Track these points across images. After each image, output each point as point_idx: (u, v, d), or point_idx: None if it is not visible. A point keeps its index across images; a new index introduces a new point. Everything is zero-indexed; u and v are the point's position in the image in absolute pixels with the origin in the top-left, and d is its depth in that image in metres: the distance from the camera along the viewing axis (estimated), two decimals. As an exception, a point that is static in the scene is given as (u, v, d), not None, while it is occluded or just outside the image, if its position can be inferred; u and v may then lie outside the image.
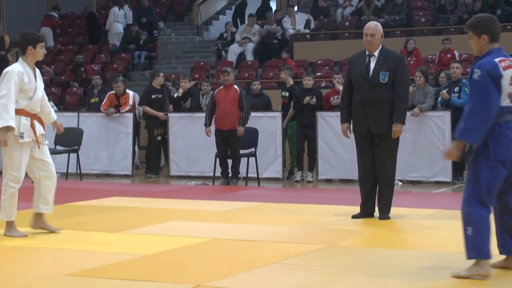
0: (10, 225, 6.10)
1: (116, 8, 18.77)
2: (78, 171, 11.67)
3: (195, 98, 12.08)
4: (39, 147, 6.11)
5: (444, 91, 10.71)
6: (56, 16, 19.49)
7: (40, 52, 6.12)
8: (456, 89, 10.64)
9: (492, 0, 16.01)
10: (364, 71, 6.88)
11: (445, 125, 10.50)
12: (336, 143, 10.88)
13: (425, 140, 10.57)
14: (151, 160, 12.15)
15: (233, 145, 10.51)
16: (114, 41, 18.84)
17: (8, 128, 5.86)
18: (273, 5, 20.46)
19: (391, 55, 6.93)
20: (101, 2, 21.76)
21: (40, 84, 6.19)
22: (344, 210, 7.66)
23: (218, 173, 10.76)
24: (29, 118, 6.03)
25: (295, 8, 18.98)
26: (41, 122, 6.22)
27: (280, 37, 17.12)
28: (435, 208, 7.89)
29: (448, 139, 10.46)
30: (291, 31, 17.17)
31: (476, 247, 4.57)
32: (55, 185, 6.26)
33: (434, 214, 7.43)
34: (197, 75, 15.92)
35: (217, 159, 10.69)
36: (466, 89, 10.56)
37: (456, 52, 13.72)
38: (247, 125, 10.59)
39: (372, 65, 6.88)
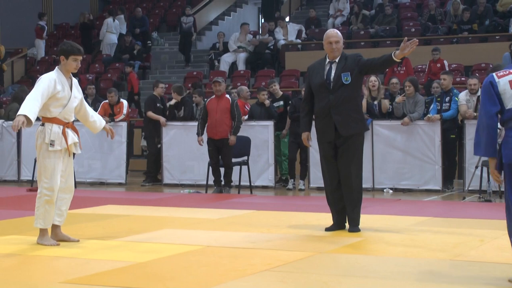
0: (43, 233, 6.08)
1: (110, 19, 18.86)
2: (72, 180, 11.72)
3: (189, 107, 12.18)
4: (69, 155, 6.12)
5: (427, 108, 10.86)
6: (42, 24, 19.49)
7: (71, 64, 6.05)
8: (447, 99, 10.77)
9: (481, 11, 16.17)
10: (324, 77, 6.78)
11: (435, 134, 10.62)
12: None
13: (415, 149, 10.68)
14: (149, 169, 12.24)
15: (225, 153, 10.61)
16: (108, 51, 18.93)
17: (27, 119, 5.73)
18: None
19: (349, 58, 6.86)
20: (95, 13, 21.86)
21: (76, 94, 6.16)
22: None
23: (211, 181, 10.84)
24: (61, 126, 6.04)
25: (287, 19, 19.13)
26: (75, 130, 6.22)
27: (272, 47, 17.26)
28: (426, 216, 7.96)
29: (438, 147, 10.59)
30: (282, 41, 17.31)
31: None
32: (71, 198, 6.25)
33: (424, 222, 7.50)
34: (190, 85, 16.01)
35: (210, 168, 10.78)
36: (456, 99, 10.71)
37: (445, 62, 13.85)
38: (239, 134, 10.70)
39: (333, 71, 6.79)
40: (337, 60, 6.85)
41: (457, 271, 5.08)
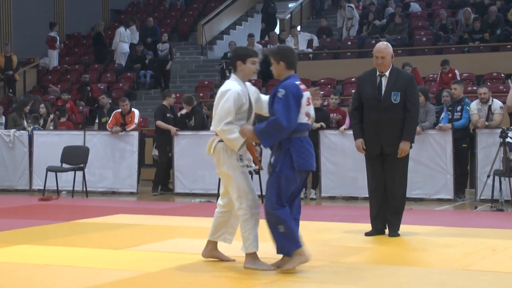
0: (254, 257, 5.45)
1: (122, 28, 18.95)
2: (84, 189, 11.76)
3: (199, 117, 12.20)
4: (260, 169, 5.65)
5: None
6: (52, 35, 19.54)
7: (250, 67, 5.54)
8: (459, 108, 10.74)
9: (492, 20, 16.13)
10: (375, 91, 6.92)
11: (447, 143, 10.58)
12: (340, 160, 10.97)
13: (427, 158, 10.64)
14: (157, 177, 12.27)
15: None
16: (120, 60, 19.02)
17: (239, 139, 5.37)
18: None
19: (401, 75, 6.99)
20: (107, 23, 21.97)
21: (253, 101, 5.59)
22: (347, 227, 7.73)
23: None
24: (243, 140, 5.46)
25: (298, 28, 19.16)
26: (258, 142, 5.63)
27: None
28: (437, 225, 7.94)
29: (449, 156, 10.55)
30: (294, 51, 17.32)
31: (291, 241, 5.20)
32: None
33: (436, 231, 7.48)
34: (201, 94, 16.05)
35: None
36: (468, 108, 10.68)
37: (456, 71, 13.80)
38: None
39: (384, 85, 6.91)
40: (387, 74, 6.95)
41: (470, 281, 5.06)
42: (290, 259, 5.29)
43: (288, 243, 5.25)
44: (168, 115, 12.21)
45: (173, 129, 12.01)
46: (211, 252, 5.76)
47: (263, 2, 20.00)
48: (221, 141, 5.49)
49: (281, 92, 5.24)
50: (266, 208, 5.29)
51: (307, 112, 5.33)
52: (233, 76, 5.61)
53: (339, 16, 18.66)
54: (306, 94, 5.35)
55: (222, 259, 5.75)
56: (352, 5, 18.50)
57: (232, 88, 5.44)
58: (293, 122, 5.22)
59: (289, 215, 5.30)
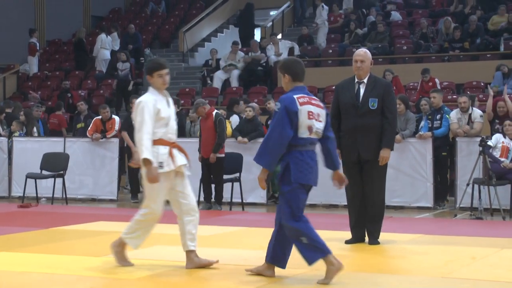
0: (123, 251, 5.87)
1: (103, 35, 18.88)
2: (64, 196, 11.69)
3: (179, 122, 12.16)
4: (182, 176, 5.76)
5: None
6: (34, 41, 19.38)
7: (157, 80, 5.69)
8: (438, 116, 10.83)
9: (473, 29, 16.29)
10: (353, 97, 6.94)
11: (427, 151, 10.65)
12: (321, 168, 10.95)
13: (407, 166, 10.70)
14: (131, 185, 12.21)
15: (214, 171, 10.64)
16: (101, 67, 18.93)
17: (149, 161, 5.52)
18: (257, 34, 20.71)
19: (379, 82, 7.04)
20: (88, 29, 21.88)
21: (173, 112, 5.82)
22: (328, 235, 7.69)
23: (202, 198, 10.82)
24: (167, 147, 5.66)
25: (279, 36, 19.21)
26: (182, 151, 5.81)
27: (264, 64, 17.29)
28: (417, 233, 7.97)
29: (429, 165, 10.62)
30: (274, 58, 17.36)
31: (315, 250, 5.22)
32: (198, 219, 5.87)
33: (416, 239, 7.51)
34: (182, 101, 16.01)
35: (201, 184, 10.78)
36: (447, 116, 10.76)
37: (437, 80, 13.90)
38: (231, 151, 10.73)
39: (362, 91, 6.94)
40: (365, 81, 6.98)
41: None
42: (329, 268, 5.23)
43: (313, 253, 5.20)
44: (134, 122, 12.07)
45: (131, 144, 11.61)
46: (193, 262, 5.78)
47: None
48: None
49: (277, 106, 5.25)
50: (282, 222, 5.29)
51: (309, 125, 5.22)
52: (149, 88, 5.79)
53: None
54: (307, 108, 5.22)
55: (206, 265, 5.77)
56: (326, 7, 18.60)
57: (143, 100, 5.67)
58: (285, 135, 5.14)
59: (308, 226, 5.23)
